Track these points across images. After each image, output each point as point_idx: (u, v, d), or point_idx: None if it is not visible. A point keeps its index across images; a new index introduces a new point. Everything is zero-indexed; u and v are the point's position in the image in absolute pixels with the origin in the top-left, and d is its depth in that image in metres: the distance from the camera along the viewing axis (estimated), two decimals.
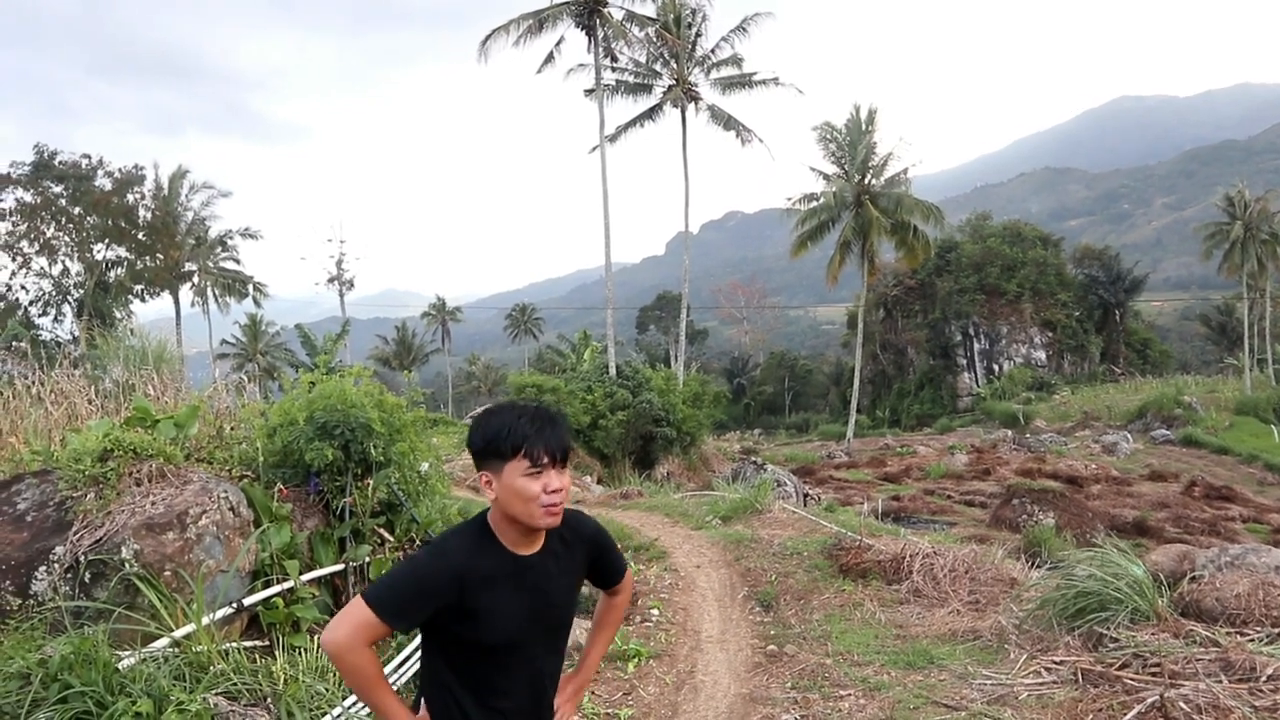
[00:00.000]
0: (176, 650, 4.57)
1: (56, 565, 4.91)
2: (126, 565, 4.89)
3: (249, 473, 6.41)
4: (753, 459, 26.57)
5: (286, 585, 5.68)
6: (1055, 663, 5.53)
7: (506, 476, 2.33)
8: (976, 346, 70.61)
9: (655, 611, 7.80)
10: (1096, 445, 39.78)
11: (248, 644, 5.06)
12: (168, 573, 4.99)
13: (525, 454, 2.32)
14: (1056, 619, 6.03)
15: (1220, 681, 4.75)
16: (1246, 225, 52.69)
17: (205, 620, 4.77)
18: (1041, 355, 69.44)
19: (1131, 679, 5.02)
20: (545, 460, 2.33)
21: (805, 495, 19.94)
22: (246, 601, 5.36)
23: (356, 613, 2.28)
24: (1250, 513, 24.91)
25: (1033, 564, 9.23)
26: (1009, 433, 47.06)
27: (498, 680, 2.45)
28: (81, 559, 4.90)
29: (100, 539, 4.99)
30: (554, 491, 2.35)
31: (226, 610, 5.16)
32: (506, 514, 2.38)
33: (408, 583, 2.34)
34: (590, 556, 2.65)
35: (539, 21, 31.36)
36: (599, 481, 20.61)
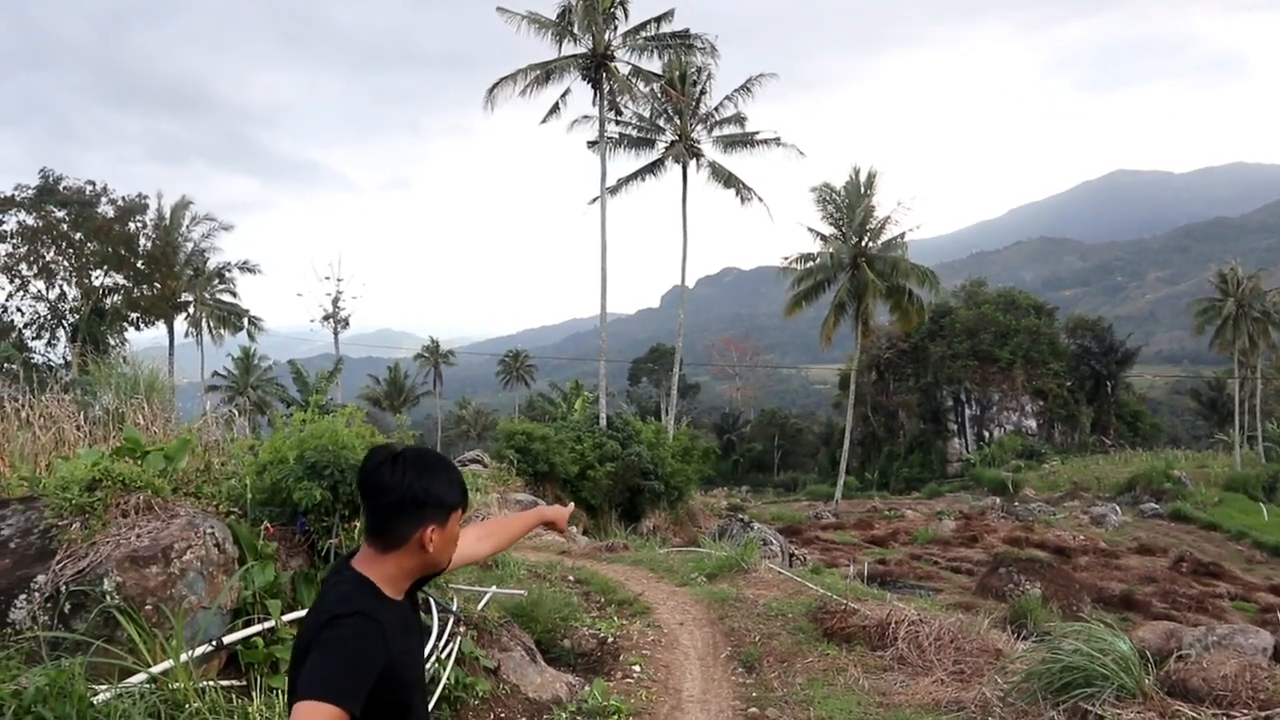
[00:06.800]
0: (153, 686, 4.51)
1: (37, 594, 4.86)
2: (108, 597, 4.84)
3: (236, 509, 6.36)
4: (740, 516, 26.45)
5: (268, 625, 5.61)
6: None
7: (450, 525, 2.39)
8: (968, 412, 70.81)
9: (637, 668, 7.72)
10: (1085, 516, 39.75)
11: (225, 683, 4.99)
12: (149, 607, 4.93)
13: (465, 503, 2.43)
14: (1041, 693, 5.97)
15: None
16: (1239, 302, 53.22)
17: (184, 657, 4.72)
18: (1032, 424, 69.62)
19: None
20: None
21: (791, 555, 19.86)
22: (226, 640, 5.30)
23: (317, 713, 2.03)
24: (1238, 590, 24.85)
25: (1018, 635, 9.16)
26: (997, 500, 47.02)
27: None
28: (63, 589, 4.85)
29: (83, 569, 4.94)
30: None
31: (206, 648, 5.10)
32: (425, 563, 2.39)
33: (352, 661, 2.15)
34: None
35: (546, 73, 31.71)
36: (584, 533, 20.44)
